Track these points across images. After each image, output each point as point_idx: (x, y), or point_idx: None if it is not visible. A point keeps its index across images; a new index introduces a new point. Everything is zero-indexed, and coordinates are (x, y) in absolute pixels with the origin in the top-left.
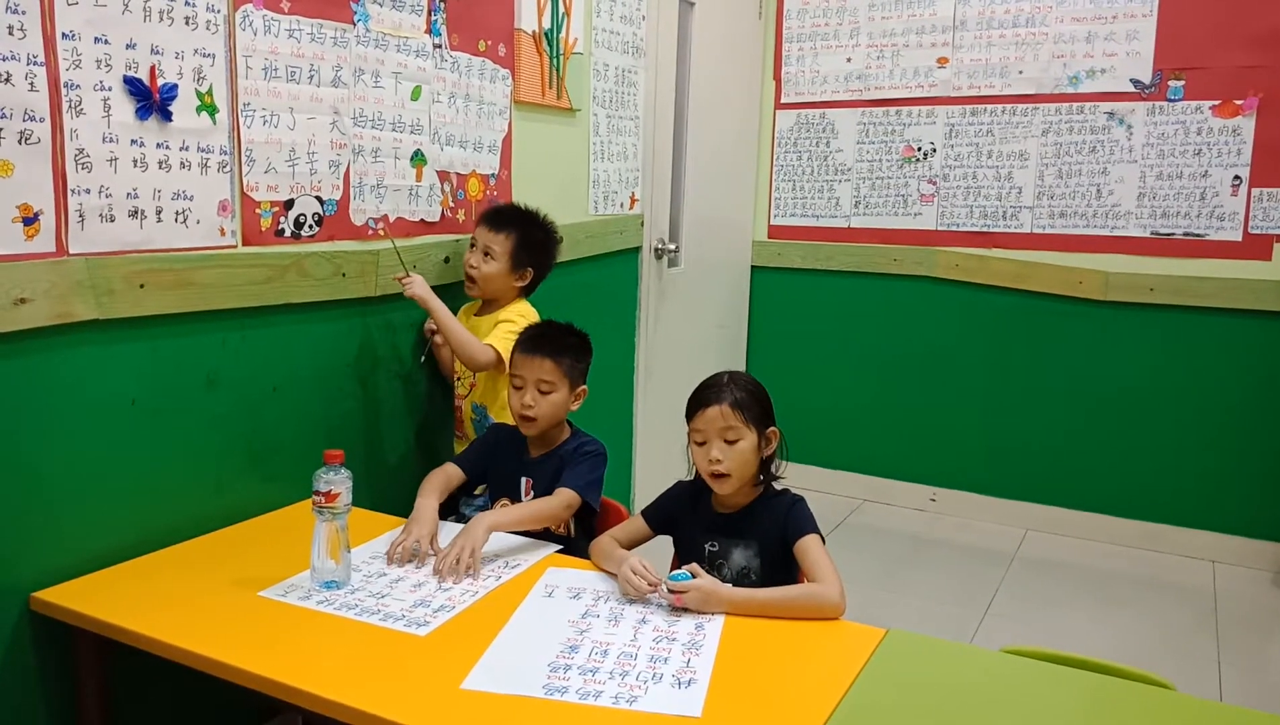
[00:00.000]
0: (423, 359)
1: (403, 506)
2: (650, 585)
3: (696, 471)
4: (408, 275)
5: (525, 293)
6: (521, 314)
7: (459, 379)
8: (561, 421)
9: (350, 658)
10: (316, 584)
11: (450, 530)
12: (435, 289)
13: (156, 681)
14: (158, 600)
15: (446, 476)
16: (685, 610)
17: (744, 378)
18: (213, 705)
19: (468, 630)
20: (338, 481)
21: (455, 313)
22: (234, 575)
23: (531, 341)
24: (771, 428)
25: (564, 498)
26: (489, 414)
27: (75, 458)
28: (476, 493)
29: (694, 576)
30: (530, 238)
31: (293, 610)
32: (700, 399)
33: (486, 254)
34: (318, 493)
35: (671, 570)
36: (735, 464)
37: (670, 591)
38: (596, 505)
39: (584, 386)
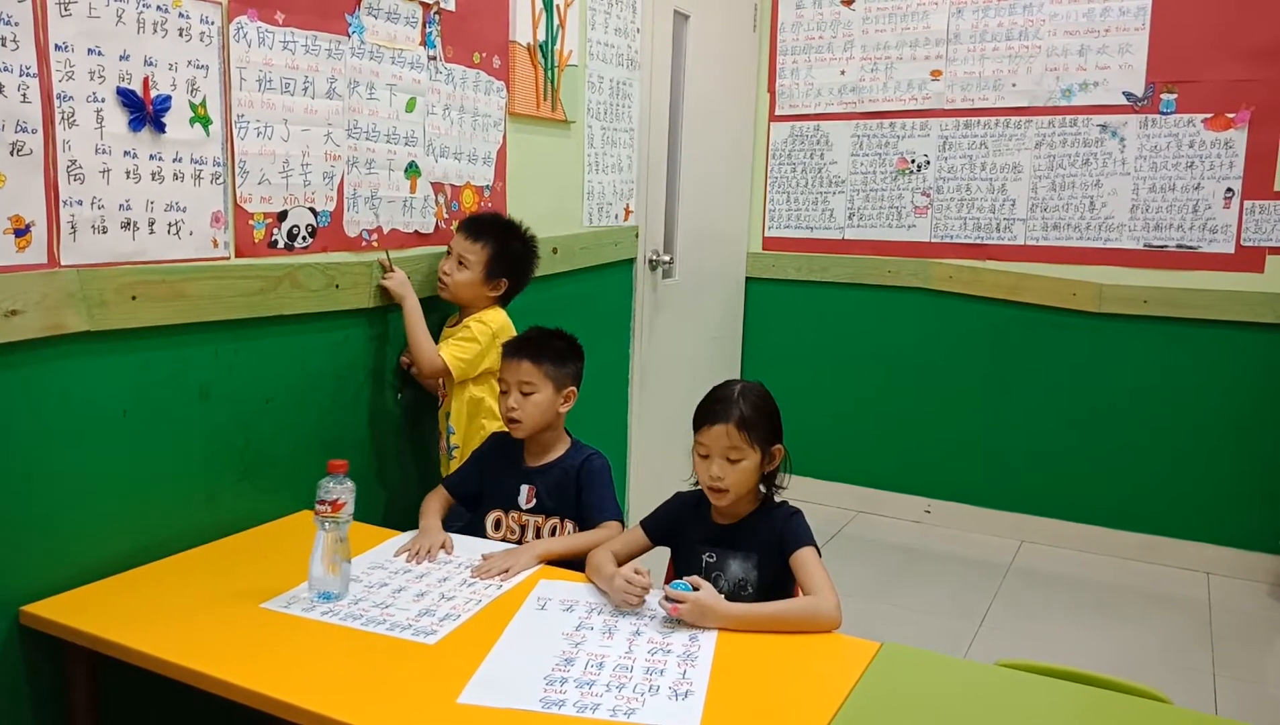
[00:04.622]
0: (399, 396)
1: (397, 519)
2: (643, 589)
3: (694, 483)
4: (392, 269)
5: (500, 303)
6: (482, 321)
7: (442, 394)
8: (555, 427)
9: (349, 671)
10: (314, 595)
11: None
12: (425, 301)
13: (150, 697)
14: (150, 614)
15: (441, 499)
16: (680, 622)
17: (755, 392)
18: (208, 722)
19: (475, 638)
20: (342, 491)
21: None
22: (227, 588)
23: (513, 346)
24: (777, 445)
25: (612, 530)
26: (453, 439)
27: (67, 470)
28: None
29: (694, 588)
30: (507, 250)
31: (294, 621)
32: (709, 413)
33: (461, 262)
34: (322, 502)
35: (667, 581)
36: (735, 482)
37: (668, 599)
38: (625, 522)
39: (573, 388)
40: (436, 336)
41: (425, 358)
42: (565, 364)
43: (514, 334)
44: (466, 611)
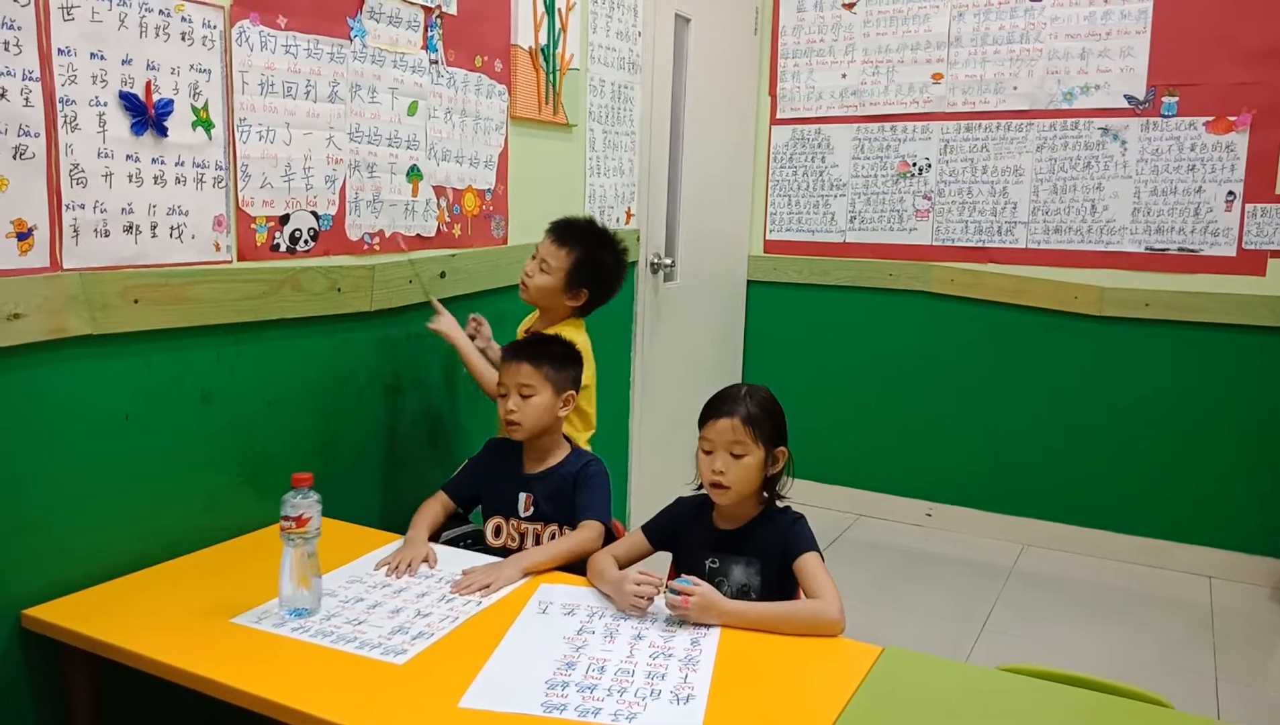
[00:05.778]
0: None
1: (395, 522)
2: (654, 589)
3: (699, 486)
4: (440, 311)
5: (580, 313)
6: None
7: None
8: (554, 431)
9: (350, 675)
10: (285, 612)
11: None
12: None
13: (149, 700)
14: (151, 618)
15: (441, 505)
16: (681, 624)
17: (762, 393)
18: None
19: (447, 657)
20: (307, 506)
21: (518, 325)
22: (229, 592)
23: (513, 350)
24: (781, 447)
25: (594, 530)
26: None
27: (68, 473)
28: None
29: (695, 585)
30: (592, 260)
31: (268, 638)
32: (714, 408)
33: (543, 267)
34: (287, 518)
35: (669, 582)
36: (736, 478)
37: (674, 592)
38: (609, 525)
39: (572, 392)
40: (509, 337)
41: (492, 386)
42: (564, 368)
43: (592, 357)
44: (440, 630)
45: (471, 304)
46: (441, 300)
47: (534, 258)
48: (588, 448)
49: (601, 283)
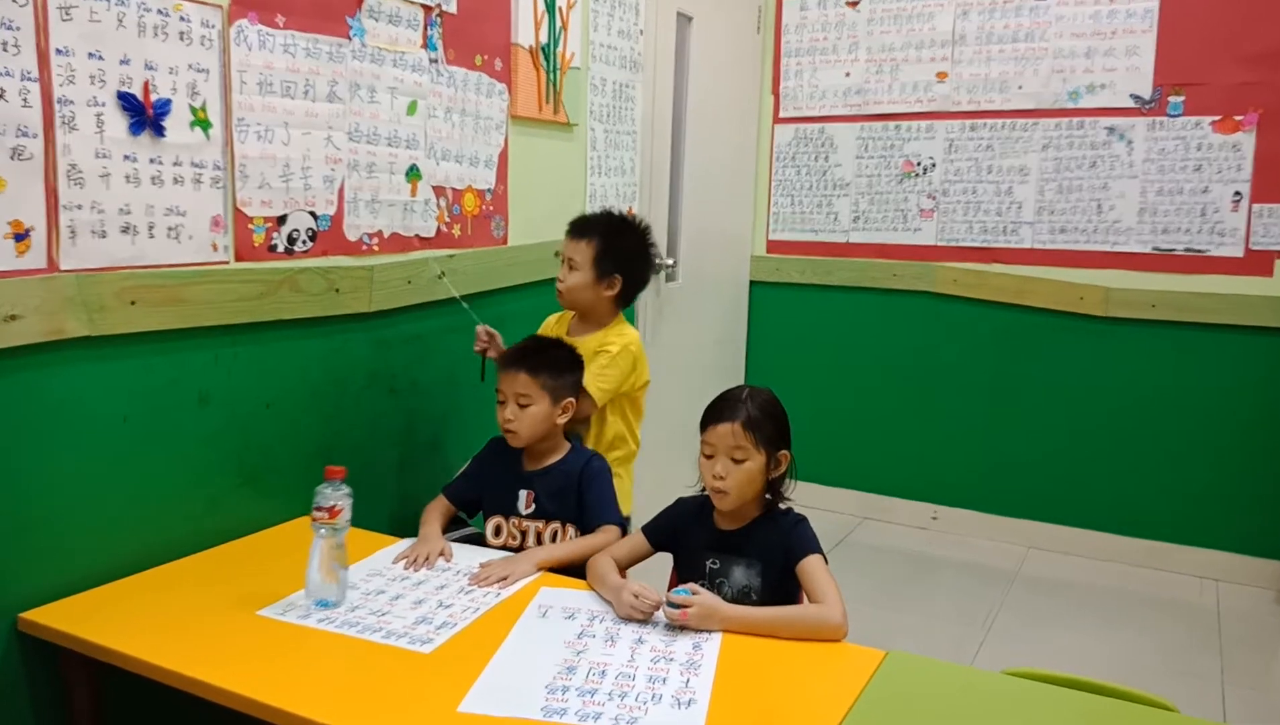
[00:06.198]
0: (483, 380)
1: (398, 525)
2: (652, 607)
3: (701, 488)
4: (491, 337)
5: (621, 303)
6: (619, 342)
7: None
8: (552, 434)
9: (349, 679)
10: (311, 602)
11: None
12: (430, 305)
13: (149, 704)
14: (148, 621)
15: (443, 508)
16: (683, 629)
17: (763, 396)
18: None
19: (471, 647)
20: (339, 497)
21: (541, 322)
22: (227, 594)
23: (512, 356)
24: (783, 451)
25: (613, 535)
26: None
27: (66, 476)
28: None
29: (694, 594)
30: (615, 243)
31: (292, 629)
32: (715, 413)
33: (570, 266)
34: (319, 508)
35: (670, 587)
36: (736, 483)
37: (672, 606)
38: (625, 527)
39: (570, 400)
40: (514, 339)
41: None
42: (563, 375)
43: (644, 355)
44: (463, 620)
45: (471, 304)
46: (442, 302)
47: (563, 263)
48: (637, 441)
49: (630, 264)
